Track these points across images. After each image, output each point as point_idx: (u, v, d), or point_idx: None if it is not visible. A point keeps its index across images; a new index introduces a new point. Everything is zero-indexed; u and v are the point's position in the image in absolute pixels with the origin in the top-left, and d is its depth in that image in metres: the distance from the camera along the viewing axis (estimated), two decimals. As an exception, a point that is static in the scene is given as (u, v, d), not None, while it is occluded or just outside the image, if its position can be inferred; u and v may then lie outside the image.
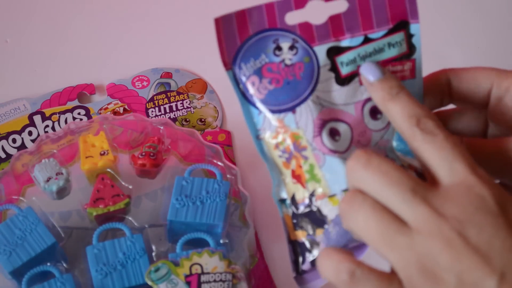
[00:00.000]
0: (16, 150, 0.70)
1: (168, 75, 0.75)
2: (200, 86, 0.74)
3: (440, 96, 0.46)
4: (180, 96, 0.73)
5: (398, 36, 0.45)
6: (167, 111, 0.72)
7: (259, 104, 0.44)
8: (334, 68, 0.44)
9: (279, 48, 0.44)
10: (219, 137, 0.70)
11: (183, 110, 0.72)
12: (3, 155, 0.70)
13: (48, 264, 0.57)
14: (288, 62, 0.44)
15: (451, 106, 0.48)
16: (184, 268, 0.53)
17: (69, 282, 0.55)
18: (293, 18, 0.44)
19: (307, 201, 0.44)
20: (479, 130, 0.47)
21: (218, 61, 0.75)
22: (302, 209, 0.44)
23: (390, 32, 0.45)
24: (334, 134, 0.44)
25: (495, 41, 0.76)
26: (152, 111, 0.72)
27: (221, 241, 0.58)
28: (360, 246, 0.44)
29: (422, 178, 0.42)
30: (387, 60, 0.45)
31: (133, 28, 0.78)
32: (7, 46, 0.77)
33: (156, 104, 0.73)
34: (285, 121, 0.44)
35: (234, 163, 0.68)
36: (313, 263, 0.44)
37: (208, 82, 0.74)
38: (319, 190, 0.43)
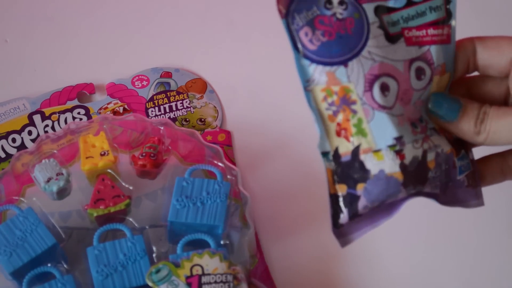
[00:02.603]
0: (15, 149, 0.70)
1: (167, 74, 0.75)
2: (200, 86, 0.74)
3: (466, 63, 0.48)
4: (180, 95, 0.73)
5: (439, 1, 0.46)
6: (167, 110, 0.72)
7: (311, 55, 0.45)
8: (382, 26, 0.45)
9: (329, 1, 0.45)
10: (219, 137, 0.70)
11: (183, 110, 0.72)
12: (3, 155, 0.70)
13: (49, 265, 0.57)
14: (339, 16, 0.45)
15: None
16: (185, 269, 0.54)
17: (69, 283, 0.55)
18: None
19: (350, 154, 0.45)
20: (500, 99, 0.49)
21: (218, 61, 0.76)
22: (344, 162, 0.45)
23: None
24: (384, 89, 0.45)
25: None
26: (152, 111, 0.72)
27: (222, 242, 0.58)
28: (397, 202, 0.45)
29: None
30: (429, 23, 0.46)
31: (133, 28, 0.78)
32: (7, 46, 0.77)
33: (156, 104, 0.73)
34: (336, 74, 0.45)
35: (234, 163, 0.68)
36: (351, 217, 0.45)
37: (208, 82, 0.74)
38: (365, 145, 0.45)
